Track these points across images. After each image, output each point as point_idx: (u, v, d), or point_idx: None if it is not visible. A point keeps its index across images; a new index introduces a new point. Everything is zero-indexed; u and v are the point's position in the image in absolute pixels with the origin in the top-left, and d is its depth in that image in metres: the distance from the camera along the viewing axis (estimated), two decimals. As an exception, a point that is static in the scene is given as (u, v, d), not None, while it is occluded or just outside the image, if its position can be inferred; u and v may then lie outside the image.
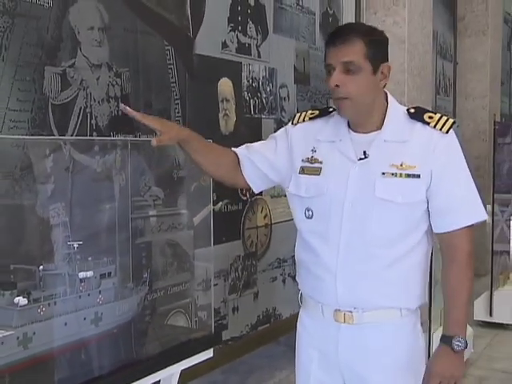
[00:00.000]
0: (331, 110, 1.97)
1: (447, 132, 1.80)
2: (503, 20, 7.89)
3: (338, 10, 4.55)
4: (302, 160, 1.91)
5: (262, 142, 2.09)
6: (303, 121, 1.97)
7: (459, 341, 1.78)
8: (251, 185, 2.02)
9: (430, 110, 1.88)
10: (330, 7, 4.44)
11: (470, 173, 1.84)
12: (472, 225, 1.82)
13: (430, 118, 1.81)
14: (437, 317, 3.79)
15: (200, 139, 1.99)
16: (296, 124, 1.98)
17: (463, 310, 1.84)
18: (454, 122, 1.82)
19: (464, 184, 1.83)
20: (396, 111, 1.85)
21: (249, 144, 2.07)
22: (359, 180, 1.79)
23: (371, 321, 1.81)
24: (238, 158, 2.01)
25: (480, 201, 1.84)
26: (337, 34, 1.78)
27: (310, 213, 1.87)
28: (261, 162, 1.98)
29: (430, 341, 3.54)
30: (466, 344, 1.81)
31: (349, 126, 1.87)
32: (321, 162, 1.86)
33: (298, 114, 2.01)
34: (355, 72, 1.74)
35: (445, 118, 1.82)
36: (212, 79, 3.27)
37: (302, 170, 1.90)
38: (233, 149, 2.05)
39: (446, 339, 1.81)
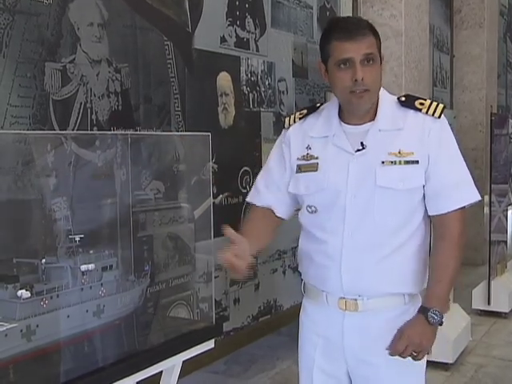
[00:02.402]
0: (318, 105, 1.99)
1: (439, 117, 1.82)
2: (499, 12, 7.90)
3: (335, 4, 4.57)
4: (298, 158, 1.90)
5: (272, 167, 2.00)
6: (294, 122, 1.99)
7: (436, 314, 1.77)
8: (288, 215, 2.03)
9: (420, 96, 1.90)
10: (327, 1, 4.45)
11: (462, 156, 1.87)
12: (464, 206, 1.82)
13: (421, 104, 1.83)
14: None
15: (256, 237, 1.92)
16: (288, 128, 2.00)
17: (446, 287, 1.83)
18: (444, 107, 1.84)
19: (457, 167, 1.85)
20: (387, 101, 1.86)
21: (267, 181, 1.99)
22: (359, 171, 1.79)
23: (376, 308, 1.82)
24: (272, 209, 1.98)
25: (472, 182, 1.85)
26: (351, 28, 1.79)
27: (313, 208, 1.88)
28: (286, 195, 1.96)
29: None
30: (442, 320, 1.79)
31: (340, 119, 1.87)
32: (317, 158, 1.86)
33: (288, 118, 2.01)
34: (373, 63, 1.78)
35: (435, 104, 1.83)
36: (211, 73, 3.29)
37: (299, 169, 1.89)
38: (263, 203, 1.98)
39: (423, 309, 1.80)
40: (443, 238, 1.84)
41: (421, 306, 1.81)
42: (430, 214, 1.85)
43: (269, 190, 1.99)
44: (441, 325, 1.80)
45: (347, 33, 1.77)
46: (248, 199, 2.08)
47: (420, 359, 1.79)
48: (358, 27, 1.81)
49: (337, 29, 1.81)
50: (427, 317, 1.77)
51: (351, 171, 1.81)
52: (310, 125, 1.94)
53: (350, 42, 1.76)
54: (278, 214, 1.99)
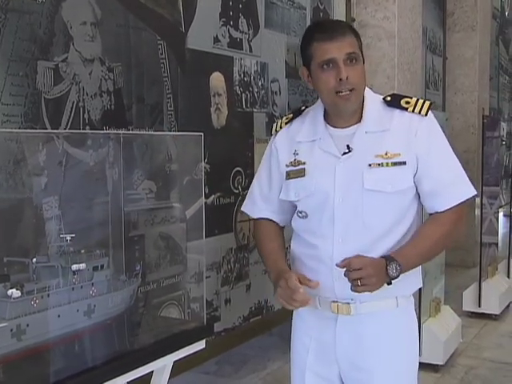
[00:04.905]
0: (303, 108, 1.99)
1: (426, 114, 1.81)
2: (492, 15, 7.94)
3: (328, 5, 4.57)
4: (286, 165, 1.91)
5: (263, 179, 2.03)
6: (280, 128, 1.99)
7: (396, 268, 1.72)
8: (287, 222, 2.03)
9: (406, 95, 1.88)
10: (320, 2, 4.46)
11: (453, 151, 1.86)
12: (463, 202, 1.83)
13: (407, 103, 1.82)
14: (426, 307, 3.83)
15: (283, 252, 1.98)
16: (276, 134, 2.00)
17: (418, 255, 1.80)
18: (431, 104, 1.84)
19: (450, 163, 1.85)
20: (373, 101, 1.86)
21: (261, 192, 2.02)
22: (346, 174, 1.79)
23: (368, 311, 1.82)
24: (276, 221, 2.02)
25: (467, 177, 1.85)
26: (331, 29, 1.79)
27: (304, 214, 1.88)
28: (280, 204, 1.99)
29: (420, 331, 3.58)
30: (396, 277, 1.73)
31: (326, 122, 1.88)
32: (304, 163, 1.87)
33: (275, 124, 2.03)
34: (356, 62, 1.78)
35: (421, 101, 1.83)
36: (204, 73, 3.29)
37: (288, 175, 1.91)
38: (261, 215, 2.02)
39: (388, 258, 1.73)
40: (436, 218, 1.82)
41: (387, 255, 1.76)
42: (428, 212, 1.85)
43: (264, 202, 2.01)
44: (389, 284, 1.74)
45: (328, 33, 1.77)
46: (243, 209, 2.09)
47: (357, 290, 1.70)
48: (337, 27, 1.82)
49: (317, 30, 1.81)
50: (388, 265, 1.73)
51: (338, 175, 1.80)
52: (295, 129, 1.94)
53: (331, 42, 1.75)
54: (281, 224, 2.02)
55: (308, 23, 4.26)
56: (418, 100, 1.84)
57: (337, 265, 1.75)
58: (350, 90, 1.76)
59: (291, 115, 1.99)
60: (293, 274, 1.79)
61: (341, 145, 1.82)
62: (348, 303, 1.83)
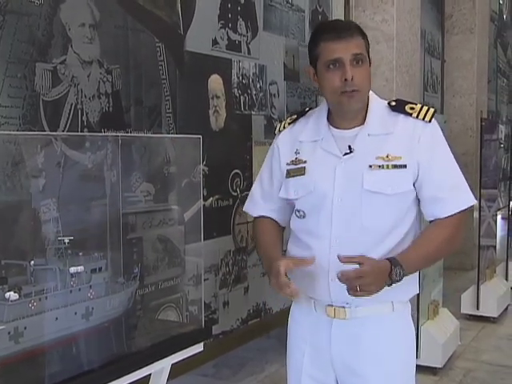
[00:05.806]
0: (307, 109, 2.00)
1: (430, 121, 1.82)
2: (490, 18, 7.95)
3: (327, 8, 4.58)
4: (287, 163, 1.92)
5: (264, 178, 2.03)
6: (284, 128, 2.00)
7: (400, 273, 1.70)
8: (287, 223, 2.03)
9: (411, 101, 1.90)
10: (319, 5, 4.46)
11: (455, 159, 1.87)
12: (464, 210, 1.83)
13: (412, 108, 1.84)
14: (425, 310, 3.83)
15: (279, 243, 1.99)
16: (279, 133, 2.01)
17: (421, 258, 1.80)
18: (435, 111, 1.85)
19: (451, 171, 1.85)
20: (377, 105, 1.87)
21: (262, 191, 2.03)
22: (346, 175, 1.80)
23: (363, 315, 1.82)
24: (275, 219, 2.02)
25: (467, 186, 1.86)
26: (338, 30, 1.80)
27: (302, 213, 1.88)
28: (281, 204, 1.99)
29: (418, 334, 3.58)
30: (400, 280, 1.72)
31: (329, 123, 1.88)
32: (305, 162, 1.87)
33: (279, 124, 2.04)
34: (362, 64, 1.79)
35: (426, 108, 1.84)
36: (202, 76, 3.29)
37: (288, 173, 1.91)
38: (265, 215, 2.01)
39: (394, 262, 1.72)
40: (439, 223, 1.82)
41: (393, 258, 1.75)
42: (427, 219, 1.85)
43: (264, 201, 2.01)
44: (389, 285, 1.73)
45: (335, 33, 1.78)
46: (244, 209, 2.10)
47: (353, 294, 1.69)
48: (345, 28, 1.82)
49: (325, 30, 1.82)
50: (392, 269, 1.71)
51: (338, 175, 1.81)
52: (299, 129, 1.95)
53: (339, 42, 1.76)
54: (281, 223, 2.02)
55: (306, 26, 4.27)
56: (422, 106, 1.85)
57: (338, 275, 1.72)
58: (354, 91, 1.76)
59: (295, 116, 2.00)
60: (283, 261, 1.77)
61: (343, 146, 1.83)
62: (343, 307, 1.82)
